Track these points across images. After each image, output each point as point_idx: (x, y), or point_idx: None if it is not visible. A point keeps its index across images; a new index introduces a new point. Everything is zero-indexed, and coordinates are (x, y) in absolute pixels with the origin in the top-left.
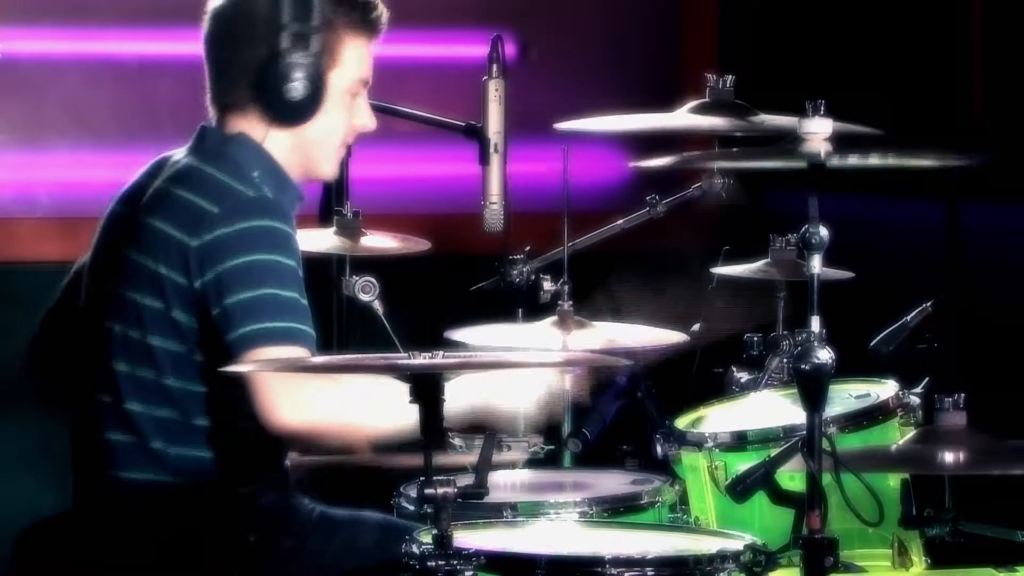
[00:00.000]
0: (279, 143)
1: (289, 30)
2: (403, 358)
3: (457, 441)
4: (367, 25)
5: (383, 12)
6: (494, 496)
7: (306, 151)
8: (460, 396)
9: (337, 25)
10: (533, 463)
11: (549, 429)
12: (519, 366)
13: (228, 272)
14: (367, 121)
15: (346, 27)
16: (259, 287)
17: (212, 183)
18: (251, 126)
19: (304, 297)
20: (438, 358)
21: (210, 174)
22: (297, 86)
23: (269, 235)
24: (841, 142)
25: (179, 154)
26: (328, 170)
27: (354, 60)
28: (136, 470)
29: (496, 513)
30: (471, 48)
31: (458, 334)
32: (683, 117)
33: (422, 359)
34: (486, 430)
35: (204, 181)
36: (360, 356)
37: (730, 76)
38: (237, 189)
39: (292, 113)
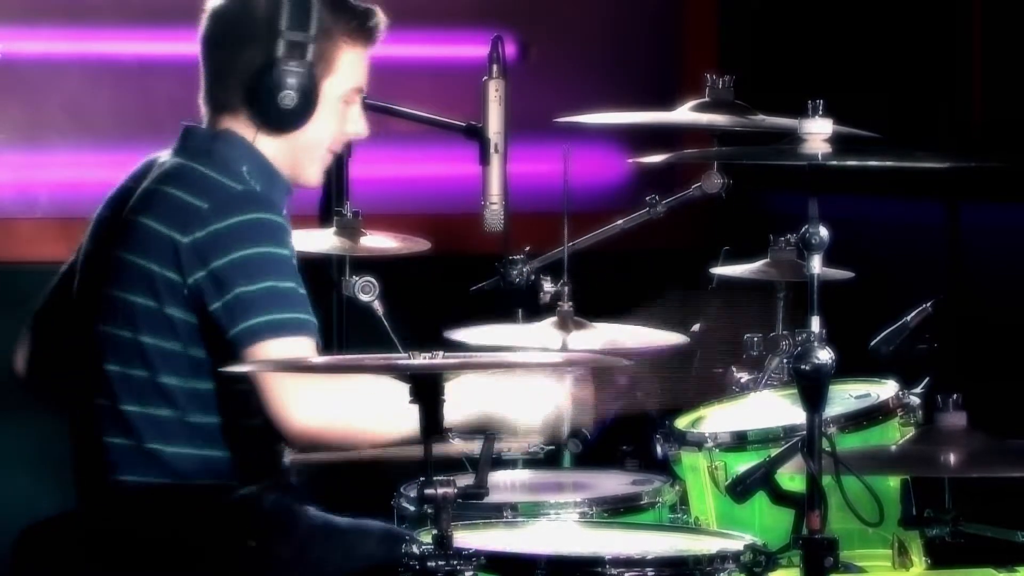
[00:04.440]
0: (268, 146)
1: (286, 37)
2: (403, 358)
3: (457, 441)
4: (365, 33)
5: (381, 21)
6: (494, 496)
7: (294, 155)
8: (466, 403)
9: (335, 33)
10: (533, 463)
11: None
12: (519, 366)
13: (224, 268)
14: (359, 129)
15: (344, 35)
16: (256, 280)
17: (200, 180)
18: (241, 127)
19: (301, 286)
20: (438, 358)
21: (198, 171)
22: (290, 95)
23: (260, 227)
24: (841, 143)
25: (165, 155)
26: (312, 177)
27: (350, 68)
28: (134, 473)
29: (496, 513)
30: (471, 48)
31: (458, 334)
32: (683, 114)
33: (422, 359)
34: (487, 431)
35: (192, 178)
36: (360, 356)
37: (730, 76)
38: (225, 184)
39: (283, 121)
